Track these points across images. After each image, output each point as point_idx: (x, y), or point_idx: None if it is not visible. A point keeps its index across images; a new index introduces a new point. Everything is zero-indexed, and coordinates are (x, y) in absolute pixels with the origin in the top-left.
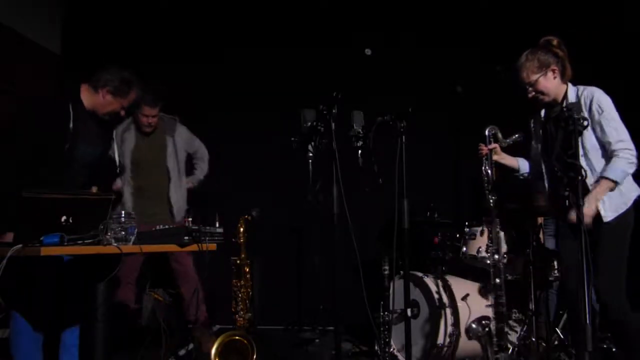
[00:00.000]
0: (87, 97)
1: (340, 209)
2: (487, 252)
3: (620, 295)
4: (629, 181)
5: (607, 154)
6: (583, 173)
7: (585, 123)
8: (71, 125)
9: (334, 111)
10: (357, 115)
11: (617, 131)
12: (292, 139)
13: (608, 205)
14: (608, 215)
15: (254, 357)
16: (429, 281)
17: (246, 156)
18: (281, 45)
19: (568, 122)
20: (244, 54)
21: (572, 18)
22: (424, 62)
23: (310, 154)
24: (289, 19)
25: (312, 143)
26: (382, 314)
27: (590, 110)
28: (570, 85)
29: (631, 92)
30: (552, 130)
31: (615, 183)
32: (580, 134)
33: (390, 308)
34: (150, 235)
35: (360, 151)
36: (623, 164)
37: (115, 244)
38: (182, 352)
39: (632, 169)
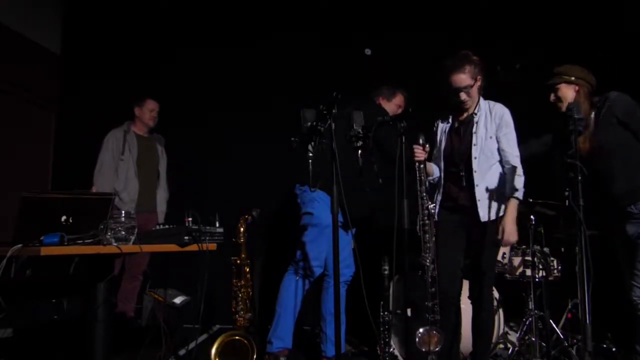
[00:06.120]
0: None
1: (341, 209)
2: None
3: (490, 291)
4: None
5: (502, 163)
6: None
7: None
8: None
9: (334, 111)
10: (357, 115)
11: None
12: (292, 139)
13: (492, 207)
14: (490, 216)
15: (254, 357)
16: None
17: (246, 156)
18: (281, 45)
19: (568, 122)
20: (244, 54)
21: (572, 18)
22: (423, 62)
23: (310, 154)
24: (289, 19)
25: (312, 143)
26: (382, 314)
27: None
28: (482, 98)
29: (631, 92)
30: (457, 136)
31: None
32: (580, 133)
33: (390, 308)
34: (150, 235)
35: (360, 151)
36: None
37: (115, 244)
38: (182, 352)
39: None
